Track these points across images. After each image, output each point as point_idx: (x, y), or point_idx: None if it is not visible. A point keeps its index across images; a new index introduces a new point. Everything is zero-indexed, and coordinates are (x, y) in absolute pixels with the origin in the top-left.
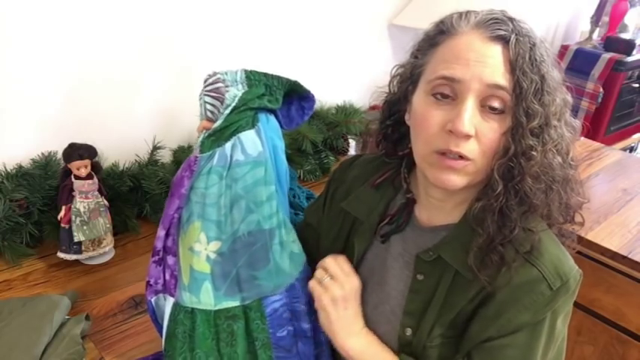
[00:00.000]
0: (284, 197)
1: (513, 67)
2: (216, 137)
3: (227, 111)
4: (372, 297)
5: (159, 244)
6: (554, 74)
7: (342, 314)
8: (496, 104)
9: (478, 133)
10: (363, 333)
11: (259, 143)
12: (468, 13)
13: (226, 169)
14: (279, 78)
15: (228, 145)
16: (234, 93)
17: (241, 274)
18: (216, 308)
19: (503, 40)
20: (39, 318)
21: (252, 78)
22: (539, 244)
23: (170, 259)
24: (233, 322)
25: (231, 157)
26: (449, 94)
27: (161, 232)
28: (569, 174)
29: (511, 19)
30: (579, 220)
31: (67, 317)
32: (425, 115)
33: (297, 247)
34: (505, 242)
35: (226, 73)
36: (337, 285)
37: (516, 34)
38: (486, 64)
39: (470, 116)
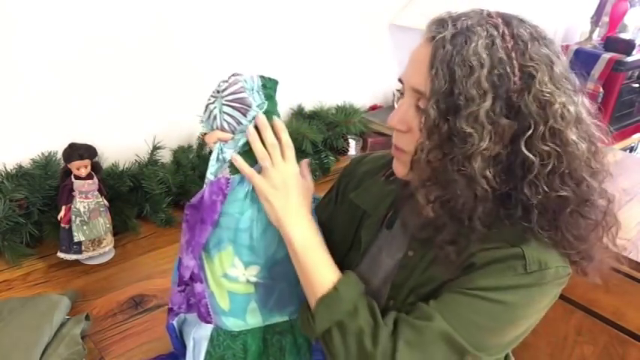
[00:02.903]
0: None
1: (432, 66)
2: (247, 156)
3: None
4: (372, 284)
5: (187, 274)
6: (493, 74)
7: (285, 202)
8: (420, 104)
9: (413, 129)
10: (307, 221)
11: None
12: (443, 15)
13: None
14: (275, 82)
15: (259, 167)
16: (259, 104)
17: (285, 292)
18: (265, 324)
19: (434, 41)
20: (39, 318)
21: (268, 86)
22: (530, 241)
23: (198, 287)
24: (282, 337)
25: None
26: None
27: (191, 262)
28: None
29: (456, 19)
30: (575, 257)
31: (67, 317)
32: None
33: None
34: (450, 237)
35: (245, 81)
36: (275, 171)
37: (452, 34)
38: (412, 66)
39: (401, 112)
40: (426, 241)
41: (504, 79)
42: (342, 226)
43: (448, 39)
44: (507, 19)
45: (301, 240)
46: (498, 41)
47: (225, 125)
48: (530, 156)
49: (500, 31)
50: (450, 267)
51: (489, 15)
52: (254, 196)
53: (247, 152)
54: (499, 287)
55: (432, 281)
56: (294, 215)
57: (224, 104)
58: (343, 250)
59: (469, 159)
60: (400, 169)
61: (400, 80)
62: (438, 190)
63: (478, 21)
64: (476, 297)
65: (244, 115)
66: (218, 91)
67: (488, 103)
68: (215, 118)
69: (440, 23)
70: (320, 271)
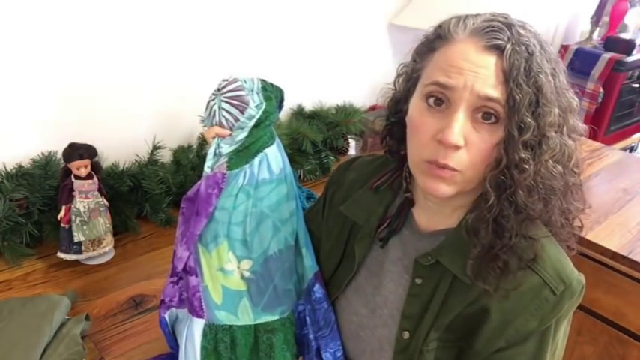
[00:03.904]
0: (299, 207)
1: (507, 78)
2: (244, 154)
3: (251, 123)
4: (371, 301)
5: (180, 265)
6: (556, 82)
7: None
8: (487, 115)
9: (468, 143)
10: None
11: (280, 159)
12: (466, 18)
13: (253, 187)
14: (279, 88)
15: (256, 162)
16: (257, 104)
17: (278, 290)
18: (256, 322)
19: (499, 50)
20: (39, 318)
21: (268, 89)
22: (542, 250)
23: (193, 280)
24: (272, 335)
25: (258, 175)
26: (442, 99)
27: (184, 253)
28: (569, 181)
29: (509, 26)
30: (577, 224)
31: (67, 317)
32: (418, 122)
33: (312, 250)
34: (506, 250)
35: (245, 81)
36: None
37: (513, 44)
38: (479, 74)
39: (460, 127)
40: (433, 267)
41: (560, 85)
42: (332, 235)
43: (517, 47)
44: (523, 24)
45: None
46: (539, 47)
47: (224, 121)
48: (572, 145)
49: (538, 39)
50: (469, 294)
51: (509, 18)
52: (248, 191)
53: (242, 151)
54: (545, 326)
55: (451, 311)
56: None
57: (223, 100)
58: (335, 261)
59: (554, 161)
60: (447, 190)
61: (442, 85)
62: (534, 197)
63: (514, 26)
64: (532, 347)
65: (242, 112)
66: (218, 89)
67: (557, 108)
68: (214, 114)
69: (493, 30)
70: None
